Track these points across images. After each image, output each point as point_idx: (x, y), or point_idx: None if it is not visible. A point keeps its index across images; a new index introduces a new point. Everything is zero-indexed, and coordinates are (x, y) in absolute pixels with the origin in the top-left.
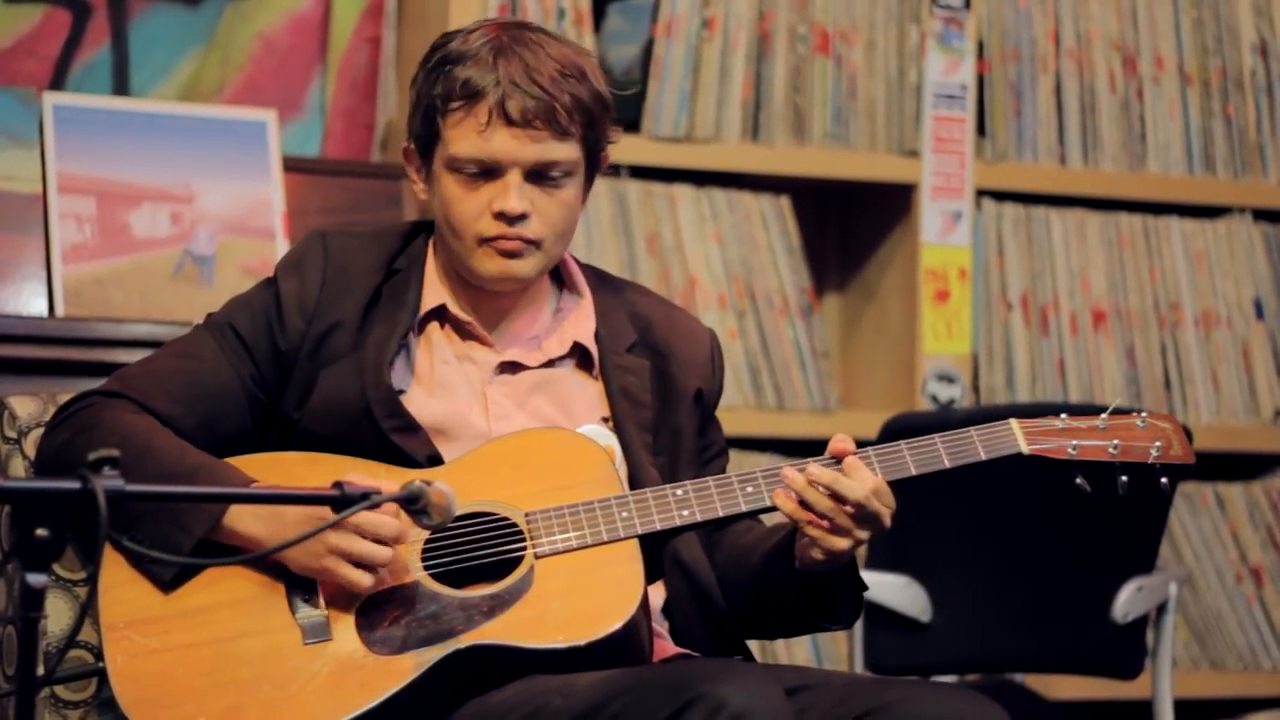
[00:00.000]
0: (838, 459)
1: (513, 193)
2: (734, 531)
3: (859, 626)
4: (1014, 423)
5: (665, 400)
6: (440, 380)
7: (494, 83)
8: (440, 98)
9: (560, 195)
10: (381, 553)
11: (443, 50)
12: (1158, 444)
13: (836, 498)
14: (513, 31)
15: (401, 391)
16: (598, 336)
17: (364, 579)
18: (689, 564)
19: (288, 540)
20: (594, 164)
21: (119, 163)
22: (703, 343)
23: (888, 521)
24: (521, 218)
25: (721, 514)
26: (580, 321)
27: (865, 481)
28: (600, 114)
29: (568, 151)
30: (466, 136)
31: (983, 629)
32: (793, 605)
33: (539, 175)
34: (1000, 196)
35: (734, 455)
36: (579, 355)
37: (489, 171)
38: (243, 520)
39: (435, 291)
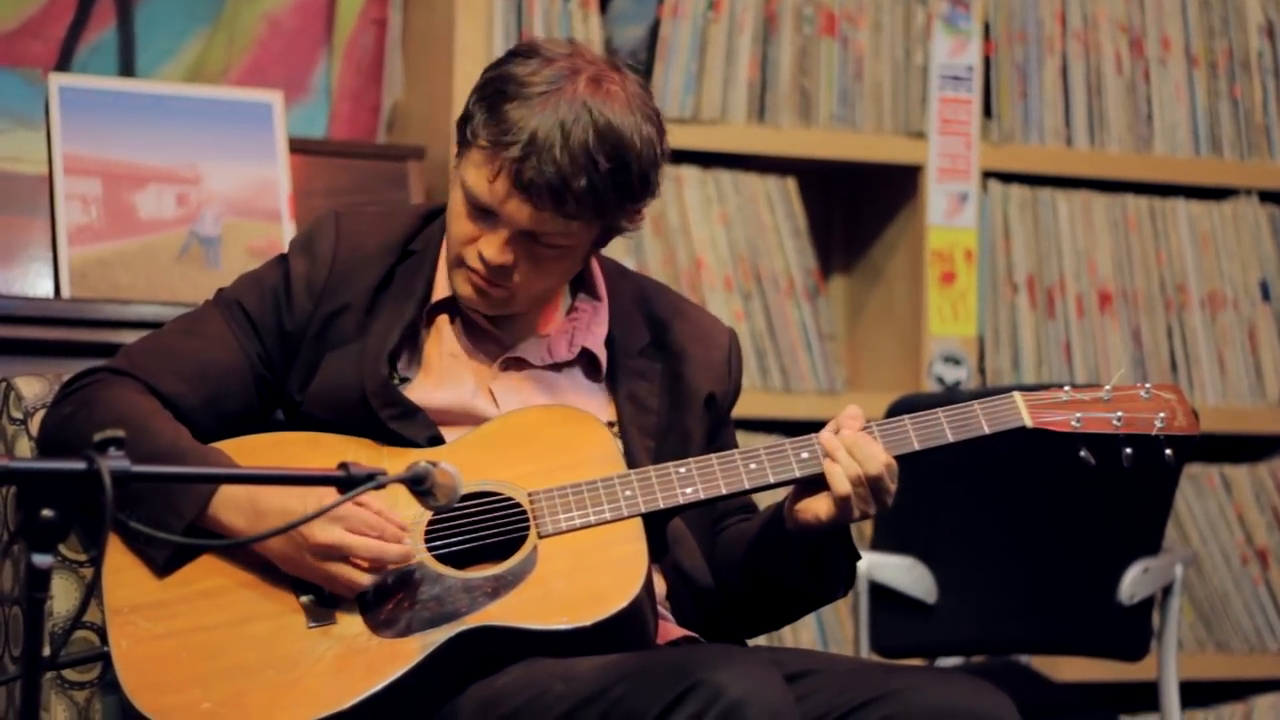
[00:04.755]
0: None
1: (496, 246)
2: (734, 526)
3: (864, 608)
4: (1017, 395)
5: (676, 403)
6: (447, 371)
7: (519, 142)
8: (478, 124)
9: (549, 262)
10: (366, 544)
11: (511, 66)
12: (1161, 415)
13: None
14: (577, 83)
15: (407, 380)
16: (610, 340)
17: (363, 579)
18: (689, 571)
19: (289, 523)
20: (609, 233)
21: (125, 144)
22: (719, 345)
23: (890, 501)
24: (501, 269)
25: (725, 491)
26: (593, 328)
27: (879, 456)
28: (618, 200)
29: (569, 230)
30: (479, 175)
31: (988, 610)
32: (788, 574)
33: (533, 237)
34: (1006, 178)
35: (740, 437)
36: (586, 361)
37: (489, 216)
38: (225, 512)
39: (446, 282)
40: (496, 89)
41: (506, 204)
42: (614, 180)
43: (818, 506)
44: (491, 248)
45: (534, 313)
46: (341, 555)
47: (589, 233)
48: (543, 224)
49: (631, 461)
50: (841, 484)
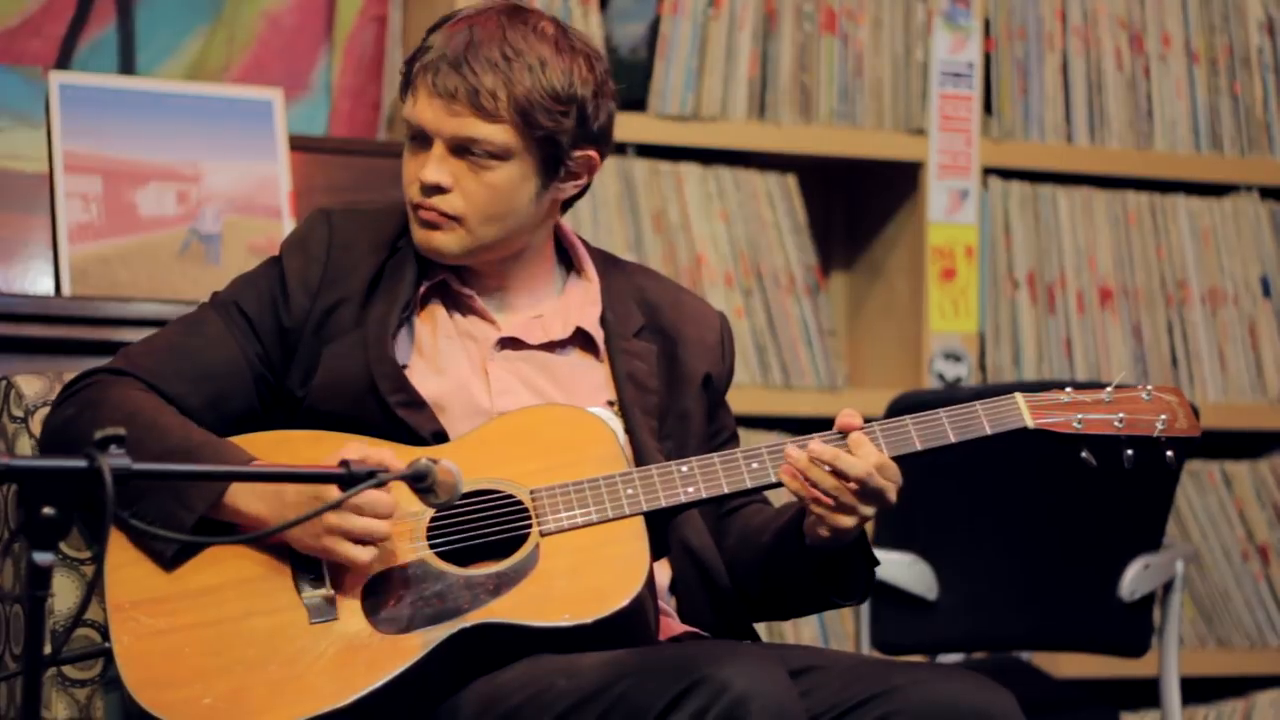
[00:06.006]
0: (843, 434)
1: (431, 163)
2: (744, 514)
3: (865, 605)
4: (1019, 396)
5: (672, 385)
6: (442, 355)
7: (436, 53)
8: (408, 59)
9: (488, 176)
10: (380, 527)
11: (449, 14)
12: (1163, 417)
13: (839, 474)
14: (499, 16)
15: (404, 366)
16: (604, 320)
17: (364, 555)
18: (696, 550)
19: (290, 520)
20: (552, 157)
21: (125, 142)
22: (712, 326)
23: (893, 497)
24: (438, 189)
25: (726, 490)
26: (585, 306)
27: (868, 457)
28: (544, 108)
29: (494, 133)
30: (407, 100)
31: (989, 607)
32: (805, 583)
33: (464, 151)
34: (1007, 175)
35: (741, 434)
36: (582, 340)
37: (424, 140)
38: (245, 499)
39: (437, 266)
40: (430, 29)
41: (427, 114)
42: (530, 83)
43: (819, 526)
44: (428, 168)
45: (524, 292)
46: (347, 535)
47: (522, 143)
48: (463, 125)
49: (635, 441)
50: (803, 492)
